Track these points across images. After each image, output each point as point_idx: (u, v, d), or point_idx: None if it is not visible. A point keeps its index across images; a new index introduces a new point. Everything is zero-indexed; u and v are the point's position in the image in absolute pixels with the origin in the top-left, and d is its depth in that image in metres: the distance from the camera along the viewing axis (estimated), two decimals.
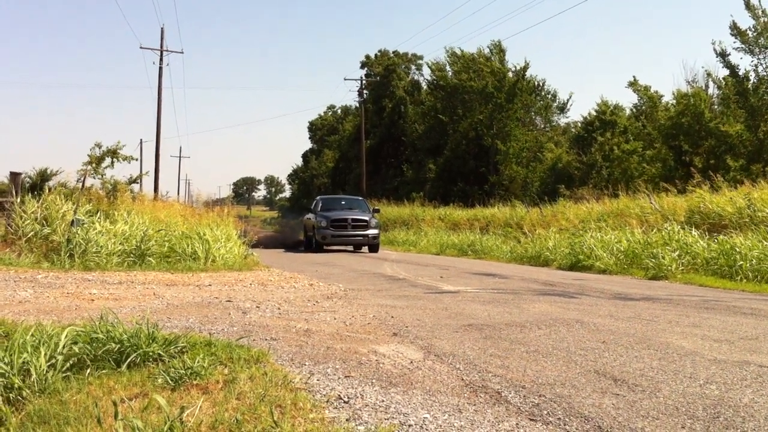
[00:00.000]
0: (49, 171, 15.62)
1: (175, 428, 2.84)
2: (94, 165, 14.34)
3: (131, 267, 11.48)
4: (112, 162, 14.69)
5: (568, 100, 47.53)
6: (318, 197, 26.84)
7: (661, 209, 16.60)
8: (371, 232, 22.07)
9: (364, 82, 51.40)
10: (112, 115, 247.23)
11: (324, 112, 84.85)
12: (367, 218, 22.34)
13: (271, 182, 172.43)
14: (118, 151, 14.71)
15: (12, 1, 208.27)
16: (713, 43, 29.47)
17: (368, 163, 48.81)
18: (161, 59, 38.80)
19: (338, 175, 64.57)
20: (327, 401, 3.48)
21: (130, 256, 12.09)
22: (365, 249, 22.82)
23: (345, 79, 52.38)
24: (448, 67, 47.12)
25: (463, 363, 4.45)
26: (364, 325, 5.97)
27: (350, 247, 23.33)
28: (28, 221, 11.99)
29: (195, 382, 3.66)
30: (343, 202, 25.37)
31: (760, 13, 27.98)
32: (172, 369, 3.79)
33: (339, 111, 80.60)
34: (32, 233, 11.86)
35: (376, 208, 26.69)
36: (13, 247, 11.69)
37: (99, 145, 14.51)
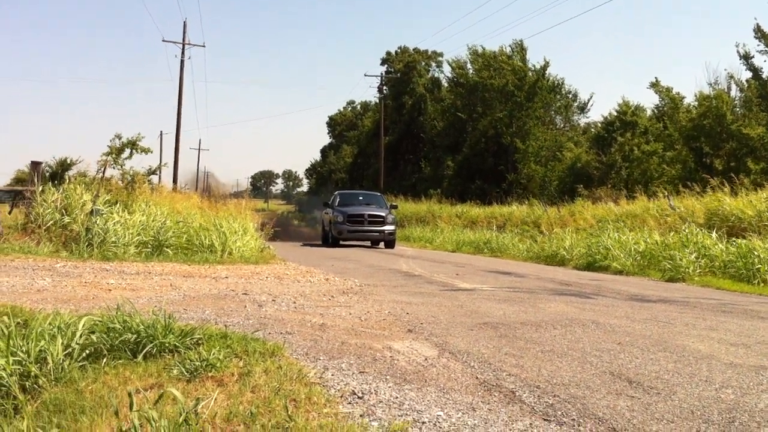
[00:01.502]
0: (69, 160, 15.73)
1: (190, 420, 2.86)
2: (113, 156, 14.36)
3: (149, 258, 11.55)
4: (131, 153, 14.70)
5: (588, 100, 47.22)
6: (336, 192, 26.83)
7: (680, 211, 16.48)
8: (388, 228, 22.04)
9: (384, 78, 51.35)
10: (133, 106, 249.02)
11: (343, 108, 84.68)
12: (383, 214, 22.30)
13: (289, 176, 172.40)
14: (138, 142, 14.70)
15: None
16: (736, 46, 29.15)
17: (386, 159, 48.73)
18: (183, 52, 39.04)
19: (356, 170, 64.50)
20: (341, 396, 3.49)
21: (148, 247, 12.19)
22: (382, 245, 22.82)
23: (365, 75, 52.77)
24: (468, 65, 46.95)
25: (477, 361, 4.44)
26: (379, 320, 5.97)
27: (367, 243, 23.33)
28: (48, 210, 12.08)
29: (210, 374, 3.68)
30: (360, 198, 25.34)
31: None
32: (188, 360, 3.82)
33: (358, 107, 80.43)
34: (51, 222, 11.96)
35: (394, 204, 26.61)
36: (33, 235, 11.80)
37: (119, 136, 14.52)
